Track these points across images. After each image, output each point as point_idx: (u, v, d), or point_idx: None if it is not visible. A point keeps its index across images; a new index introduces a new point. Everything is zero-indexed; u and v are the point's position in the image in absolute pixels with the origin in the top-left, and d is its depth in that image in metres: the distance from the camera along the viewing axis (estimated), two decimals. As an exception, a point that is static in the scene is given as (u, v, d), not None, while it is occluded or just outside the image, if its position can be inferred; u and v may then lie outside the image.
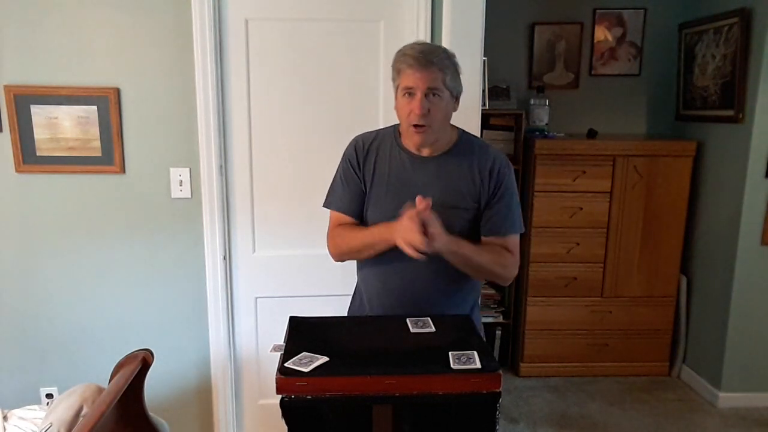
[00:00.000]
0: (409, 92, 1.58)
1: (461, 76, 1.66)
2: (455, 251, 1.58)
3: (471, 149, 1.71)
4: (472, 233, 1.68)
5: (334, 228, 1.76)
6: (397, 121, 1.71)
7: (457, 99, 1.66)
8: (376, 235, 1.63)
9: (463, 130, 1.76)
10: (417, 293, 1.70)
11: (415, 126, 1.59)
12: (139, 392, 1.79)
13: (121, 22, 2.23)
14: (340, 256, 1.77)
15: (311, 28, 2.31)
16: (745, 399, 3.11)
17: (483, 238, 1.69)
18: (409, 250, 1.47)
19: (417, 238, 1.45)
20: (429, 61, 1.55)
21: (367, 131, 1.80)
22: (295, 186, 2.43)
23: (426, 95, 1.56)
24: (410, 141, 1.67)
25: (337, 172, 1.79)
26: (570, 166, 3.23)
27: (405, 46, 1.62)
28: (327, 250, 1.78)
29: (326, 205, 1.79)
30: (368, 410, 1.42)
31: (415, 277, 1.68)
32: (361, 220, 1.74)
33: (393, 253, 1.59)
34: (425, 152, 1.69)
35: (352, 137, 1.80)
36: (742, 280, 3.00)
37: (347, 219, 1.74)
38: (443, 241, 1.51)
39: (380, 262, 1.70)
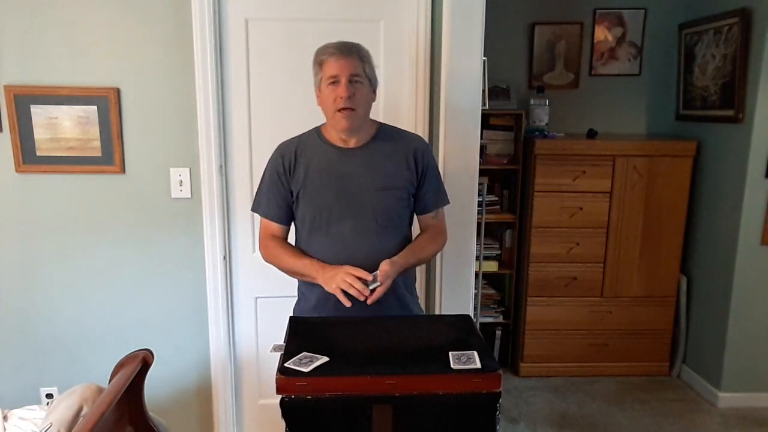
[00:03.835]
0: (334, 81, 1.67)
1: (460, 77, 1.68)
2: (405, 267, 1.70)
3: (392, 136, 1.82)
4: (404, 210, 1.79)
5: (267, 238, 1.83)
6: (317, 124, 1.82)
7: (374, 91, 1.77)
8: (305, 270, 1.72)
9: (381, 122, 1.85)
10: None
11: (342, 110, 1.66)
12: (139, 392, 1.80)
13: (121, 22, 2.23)
14: (270, 264, 1.84)
15: (311, 28, 2.31)
16: (745, 399, 3.11)
17: (418, 216, 1.86)
18: (341, 297, 1.58)
19: (358, 287, 1.56)
20: (349, 50, 1.68)
21: (288, 138, 1.86)
22: (295, 186, 2.43)
23: (350, 81, 1.66)
24: (337, 127, 1.72)
25: (263, 178, 1.85)
26: (570, 166, 3.22)
27: (323, 45, 1.73)
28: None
29: (254, 209, 1.88)
30: (368, 410, 1.42)
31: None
32: (289, 224, 1.84)
33: (335, 249, 1.71)
34: (351, 143, 1.76)
35: None
36: (742, 280, 3.00)
37: (275, 226, 1.83)
38: (393, 273, 1.62)
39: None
